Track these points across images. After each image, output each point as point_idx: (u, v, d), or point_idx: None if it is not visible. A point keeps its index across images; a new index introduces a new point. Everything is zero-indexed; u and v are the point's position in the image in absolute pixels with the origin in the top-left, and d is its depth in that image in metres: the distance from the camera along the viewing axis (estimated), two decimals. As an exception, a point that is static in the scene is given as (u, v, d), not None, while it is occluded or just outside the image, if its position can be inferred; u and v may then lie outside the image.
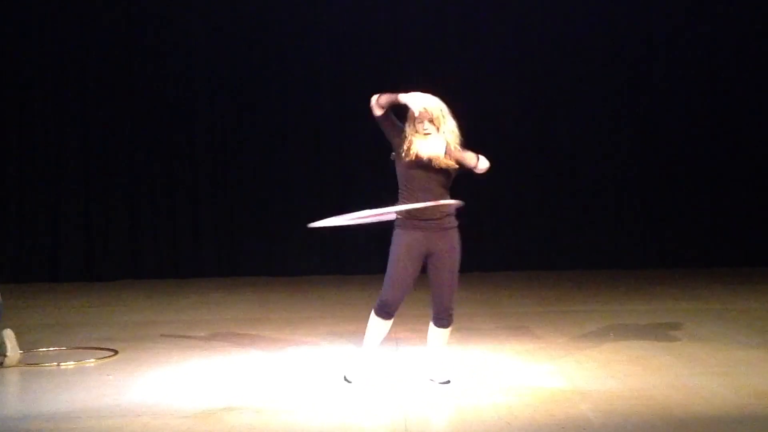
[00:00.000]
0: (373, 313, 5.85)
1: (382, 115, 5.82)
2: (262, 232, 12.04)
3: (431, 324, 5.90)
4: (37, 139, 11.84)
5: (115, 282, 11.51)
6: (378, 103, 5.80)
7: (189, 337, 7.75)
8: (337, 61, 12.01)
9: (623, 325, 7.90)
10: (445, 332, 5.90)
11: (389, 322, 5.85)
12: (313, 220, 11.57)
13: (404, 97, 5.72)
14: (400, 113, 5.84)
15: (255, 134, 12.01)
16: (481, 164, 5.72)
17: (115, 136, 11.88)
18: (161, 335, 7.84)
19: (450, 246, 5.75)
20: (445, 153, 5.69)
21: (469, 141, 10.30)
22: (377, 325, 5.84)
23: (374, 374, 6.05)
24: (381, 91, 5.79)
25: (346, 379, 5.94)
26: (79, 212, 11.83)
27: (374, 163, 11.55)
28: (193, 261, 11.95)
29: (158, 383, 6.09)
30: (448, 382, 5.87)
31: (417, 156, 5.67)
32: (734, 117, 12.16)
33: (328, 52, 12.02)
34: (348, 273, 11.76)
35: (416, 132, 5.72)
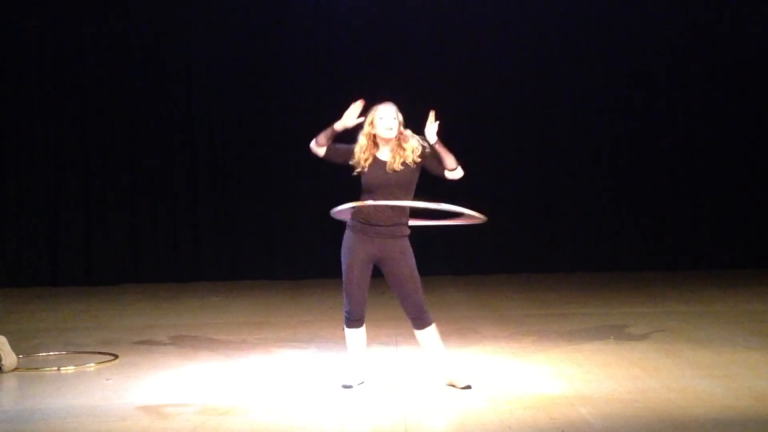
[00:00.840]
0: (345, 326, 5.93)
1: (326, 152, 5.93)
2: (261, 235, 12.04)
3: (414, 330, 5.93)
4: (36, 142, 11.83)
5: (115, 286, 11.50)
6: (318, 144, 5.92)
7: (189, 340, 7.75)
8: (338, 63, 11.99)
9: (623, 328, 7.90)
10: (429, 332, 5.89)
11: (361, 329, 5.92)
12: (314, 223, 11.60)
13: (343, 121, 5.87)
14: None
15: (255, 138, 12.00)
16: (458, 172, 5.76)
17: (115, 139, 11.87)
18: (161, 339, 7.84)
19: (400, 250, 5.80)
20: (422, 148, 5.76)
21: (469, 142, 10.41)
22: (351, 335, 5.93)
23: (369, 378, 6.05)
24: (324, 128, 5.95)
25: (343, 386, 5.95)
26: (78, 216, 11.82)
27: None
28: (192, 265, 11.94)
29: (158, 387, 6.10)
30: (469, 387, 5.83)
31: (375, 158, 5.78)
32: (735, 119, 12.14)
33: (329, 54, 12.00)
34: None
35: (375, 133, 5.82)
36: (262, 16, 11.93)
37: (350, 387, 5.92)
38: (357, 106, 5.90)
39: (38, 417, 5.40)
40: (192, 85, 12.00)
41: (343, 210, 5.78)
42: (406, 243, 5.86)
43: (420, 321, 5.87)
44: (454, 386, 5.85)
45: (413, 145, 5.80)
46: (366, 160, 5.83)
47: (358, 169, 5.86)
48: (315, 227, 11.79)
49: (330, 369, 6.54)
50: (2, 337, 6.67)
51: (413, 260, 5.85)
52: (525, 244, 12.04)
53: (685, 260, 12.05)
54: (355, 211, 5.84)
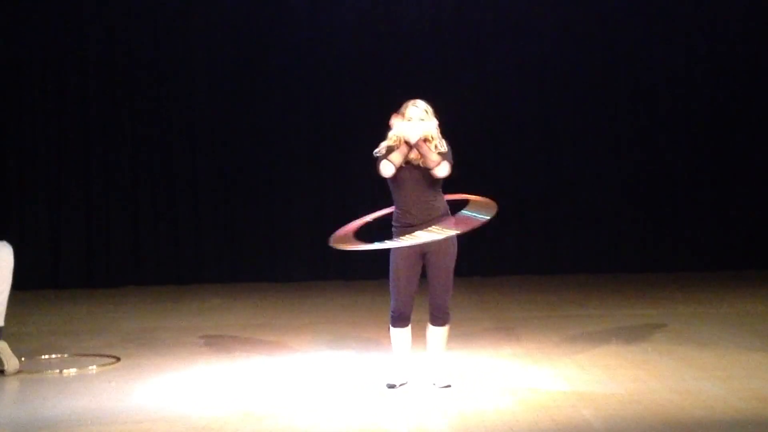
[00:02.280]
0: (390, 325, 5.95)
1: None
2: (263, 238, 12.04)
3: (428, 323, 5.97)
4: (37, 145, 11.84)
5: (116, 289, 11.50)
6: (394, 165, 5.82)
7: (191, 343, 7.75)
8: (338, 66, 12.00)
9: (625, 329, 7.89)
10: (442, 331, 5.94)
11: (406, 329, 5.94)
12: (314, 225, 11.57)
13: (406, 136, 5.82)
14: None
15: (256, 140, 12.01)
16: (440, 170, 5.75)
17: (117, 141, 11.88)
18: (163, 342, 7.84)
19: (445, 247, 5.82)
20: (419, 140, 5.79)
21: (469, 143, 10.40)
22: (396, 335, 5.95)
23: (412, 378, 6.06)
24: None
25: (387, 386, 5.95)
26: (80, 219, 11.83)
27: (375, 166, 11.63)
28: (194, 267, 11.95)
29: (160, 390, 6.09)
30: (449, 386, 5.90)
31: (402, 141, 5.80)
32: (736, 120, 12.16)
33: (329, 56, 12.01)
34: (350, 278, 11.76)
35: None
36: (264, 17, 11.94)
37: (393, 387, 5.94)
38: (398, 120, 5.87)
39: (40, 420, 5.40)
40: (194, 88, 12.01)
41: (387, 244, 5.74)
42: (454, 237, 5.84)
43: (438, 318, 5.92)
44: (434, 384, 5.92)
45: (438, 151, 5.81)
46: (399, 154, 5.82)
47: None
48: (317, 230, 11.78)
49: (331, 370, 6.54)
50: (3, 342, 6.67)
51: (453, 259, 5.88)
52: (526, 246, 12.04)
53: (686, 261, 12.04)
54: (396, 216, 5.88)
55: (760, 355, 6.69)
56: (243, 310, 9.76)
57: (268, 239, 12.05)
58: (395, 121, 5.89)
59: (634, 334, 7.65)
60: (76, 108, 11.86)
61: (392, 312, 5.92)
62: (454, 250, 5.86)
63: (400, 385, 5.97)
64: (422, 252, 5.84)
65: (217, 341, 7.81)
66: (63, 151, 11.85)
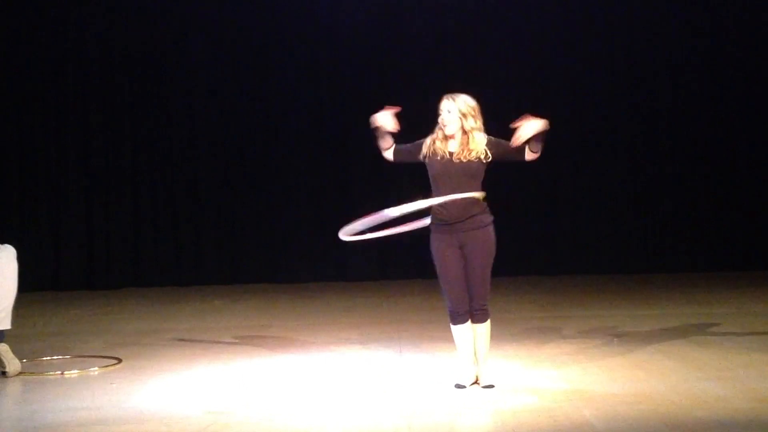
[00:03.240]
0: (450, 323, 5.94)
1: (393, 155, 6.02)
2: (264, 238, 12.04)
3: (471, 324, 5.92)
4: (37, 148, 11.84)
5: (117, 290, 11.50)
6: (383, 150, 6.03)
7: (192, 344, 7.75)
8: (339, 67, 12.01)
9: (626, 330, 7.89)
10: (482, 327, 5.89)
11: (465, 325, 5.89)
12: (315, 226, 11.57)
13: (377, 121, 5.98)
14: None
15: (257, 141, 12.02)
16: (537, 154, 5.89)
17: (117, 143, 11.88)
18: (164, 343, 7.84)
19: (481, 242, 5.82)
20: (486, 152, 5.84)
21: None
22: (457, 332, 5.92)
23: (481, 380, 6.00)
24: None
25: (457, 386, 5.91)
26: (80, 220, 11.82)
27: (377, 169, 11.62)
28: (195, 268, 11.95)
29: (162, 391, 6.10)
30: (492, 386, 5.87)
31: (443, 149, 5.82)
32: (737, 120, 12.15)
33: (331, 56, 12.01)
34: (351, 280, 11.75)
35: (439, 131, 5.88)
36: (264, 18, 11.94)
37: (463, 387, 5.89)
38: (389, 111, 5.92)
39: (42, 421, 5.40)
40: (193, 89, 12.01)
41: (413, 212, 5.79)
42: (490, 232, 5.87)
43: (476, 315, 5.88)
44: (476, 384, 5.89)
45: (478, 149, 5.82)
46: (433, 150, 5.85)
47: (425, 160, 5.87)
48: (317, 230, 11.80)
49: (332, 372, 6.54)
50: (4, 345, 6.68)
51: (490, 255, 5.86)
52: (526, 247, 12.03)
53: (688, 262, 12.04)
54: (433, 212, 5.87)
55: (761, 356, 6.69)
56: (243, 312, 9.76)
57: (269, 240, 12.04)
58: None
59: (635, 335, 7.65)
60: (77, 110, 11.86)
61: (448, 310, 5.90)
62: (489, 245, 5.84)
63: (471, 385, 5.90)
64: (459, 245, 5.81)
65: (217, 342, 7.81)
66: (63, 153, 11.84)
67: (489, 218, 5.90)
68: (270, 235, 12.03)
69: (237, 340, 7.89)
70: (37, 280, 11.59)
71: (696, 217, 12.16)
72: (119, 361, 7.04)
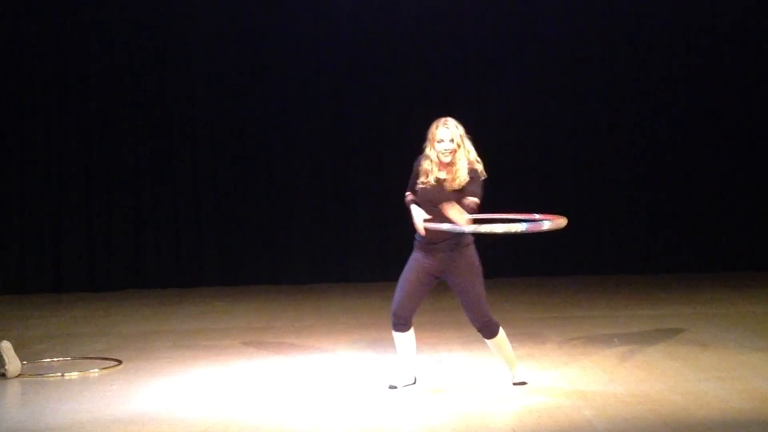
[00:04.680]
0: (391, 329, 5.98)
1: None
2: (265, 240, 12.04)
3: (485, 340, 6.00)
4: (39, 150, 11.83)
5: (118, 292, 11.50)
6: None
7: (193, 346, 7.75)
8: (339, 68, 12.00)
9: (627, 331, 7.89)
10: (497, 341, 5.94)
11: (406, 334, 5.94)
12: (315, 227, 11.54)
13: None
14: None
15: (258, 143, 12.01)
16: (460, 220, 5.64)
17: (117, 145, 11.87)
18: (165, 345, 7.84)
19: (463, 264, 5.84)
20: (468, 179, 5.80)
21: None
22: (396, 339, 5.98)
23: (416, 380, 6.07)
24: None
25: (391, 386, 5.98)
26: (81, 222, 11.82)
27: (379, 171, 11.63)
28: (196, 270, 11.94)
29: (162, 393, 6.10)
30: (524, 383, 5.97)
31: (436, 177, 5.79)
32: (736, 120, 12.15)
33: (330, 57, 11.99)
34: (352, 281, 11.75)
35: (436, 156, 5.81)
36: (266, 18, 11.93)
37: (395, 388, 5.96)
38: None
39: (42, 423, 5.40)
40: (194, 90, 12.00)
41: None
42: (471, 252, 5.89)
43: (486, 330, 5.91)
44: (520, 383, 5.97)
45: (461, 178, 5.79)
46: (428, 178, 5.83)
47: (421, 186, 5.85)
48: (319, 232, 11.81)
49: (332, 374, 6.54)
50: (7, 342, 6.68)
51: (478, 270, 5.88)
52: (527, 248, 12.01)
53: (688, 263, 12.03)
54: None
55: (761, 356, 6.69)
56: (245, 313, 9.76)
57: (270, 242, 12.04)
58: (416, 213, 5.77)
59: (635, 335, 7.65)
60: (77, 111, 11.85)
61: (391, 315, 5.95)
62: (471, 265, 5.85)
63: (404, 386, 5.97)
64: (440, 272, 5.85)
65: (218, 344, 7.81)
66: (64, 155, 11.83)
67: (470, 238, 5.90)
68: (271, 237, 12.03)
69: (238, 342, 7.89)
70: (38, 282, 11.64)
71: (696, 218, 12.15)
72: (120, 362, 7.04)
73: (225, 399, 5.90)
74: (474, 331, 8.01)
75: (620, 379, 6.09)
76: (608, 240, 12.13)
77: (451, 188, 5.78)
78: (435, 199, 5.74)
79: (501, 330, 5.93)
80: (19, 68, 11.76)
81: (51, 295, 11.41)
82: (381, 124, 11.86)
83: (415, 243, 5.92)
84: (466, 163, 5.82)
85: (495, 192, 11.67)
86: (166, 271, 11.90)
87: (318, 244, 11.85)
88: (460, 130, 5.88)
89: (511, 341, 7.54)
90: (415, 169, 5.91)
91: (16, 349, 6.75)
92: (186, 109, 11.99)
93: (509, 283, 11.41)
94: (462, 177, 5.78)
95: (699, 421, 5.07)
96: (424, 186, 5.83)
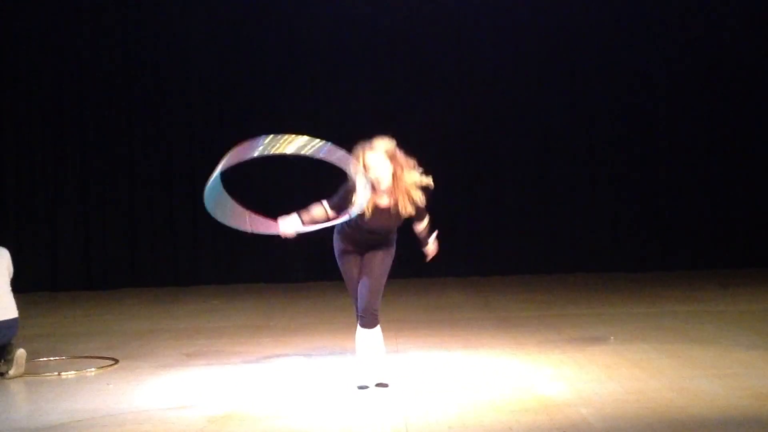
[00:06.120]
0: (358, 325, 5.97)
1: (326, 212, 6.37)
2: (260, 239, 11.97)
3: (359, 328, 5.93)
4: (34, 149, 11.83)
5: (114, 290, 11.50)
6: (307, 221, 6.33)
7: (189, 344, 7.75)
8: (335, 67, 12.00)
9: (624, 329, 7.89)
10: (371, 333, 5.89)
11: (374, 330, 5.91)
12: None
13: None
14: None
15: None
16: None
17: (113, 144, 11.87)
18: (161, 343, 7.84)
19: (384, 251, 5.94)
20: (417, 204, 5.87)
21: (468, 144, 10.28)
22: (365, 337, 5.93)
23: (374, 379, 6.03)
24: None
25: (360, 387, 5.95)
26: (77, 221, 11.82)
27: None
28: (192, 268, 11.94)
29: (159, 391, 6.09)
30: (387, 385, 5.92)
31: (374, 204, 5.90)
32: (735, 120, 12.16)
33: (326, 57, 12.01)
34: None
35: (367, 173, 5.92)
36: (265, 19, 11.93)
37: (366, 387, 5.92)
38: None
39: (39, 422, 5.40)
40: (191, 90, 12.01)
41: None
42: (392, 246, 6.01)
43: (365, 319, 5.89)
44: (382, 385, 5.91)
45: (407, 209, 5.85)
46: (368, 207, 5.86)
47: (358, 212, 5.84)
48: (314, 231, 11.78)
49: (329, 372, 6.53)
50: (23, 351, 6.68)
51: (387, 265, 5.96)
52: (524, 246, 12.04)
53: (684, 260, 12.05)
54: (340, 228, 6.09)
55: (758, 354, 6.69)
56: (241, 311, 9.76)
57: (266, 240, 12.00)
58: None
59: (632, 333, 7.65)
60: (74, 111, 11.85)
61: (360, 315, 5.93)
62: (390, 254, 5.96)
63: (377, 385, 5.92)
64: (361, 254, 5.93)
65: (215, 343, 7.81)
66: (60, 154, 11.83)
67: (395, 237, 6.02)
68: (267, 236, 12.00)
69: (234, 340, 7.89)
70: (34, 281, 11.61)
71: (693, 216, 12.17)
72: (116, 361, 7.04)
73: (221, 397, 5.89)
74: (472, 328, 8.06)
75: (617, 377, 6.09)
76: (604, 238, 12.14)
77: (402, 211, 5.85)
78: (379, 225, 5.86)
79: (379, 327, 5.93)
80: (16, 69, 11.75)
81: (47, 294, 11.40)
82: (375, 122, 11.84)
83: (341, 232, 6.06)
84: (406, 196, 5.83)
85: (494, 190, 11.72)
86: (162, 270, 11.90)
87: (314, 243, 11.83)
88: (390, 150, 5.85)
89: (507, 339, 7.57)
90: (348, 187, 5.95)
91: (14, 349, 6.76)
92: (182, 108, 11.99)
93: (505, 281, 11.43)
94: (408, 210, 5.85)
95: (695, 418, 5.07)
96: (363, 216, 5.86)
